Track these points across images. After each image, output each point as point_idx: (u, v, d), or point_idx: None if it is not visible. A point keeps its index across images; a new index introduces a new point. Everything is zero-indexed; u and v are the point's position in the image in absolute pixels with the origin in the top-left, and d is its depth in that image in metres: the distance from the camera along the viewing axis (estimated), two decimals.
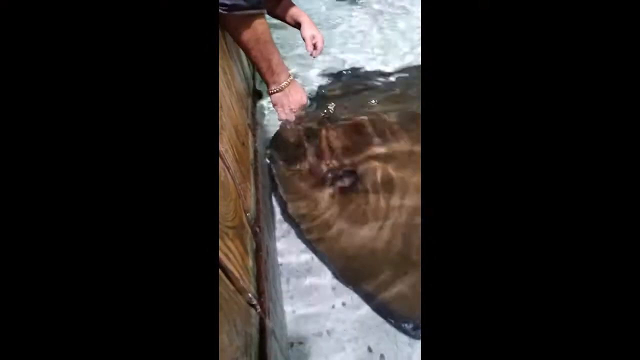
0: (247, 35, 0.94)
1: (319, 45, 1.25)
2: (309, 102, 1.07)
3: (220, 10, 0.83)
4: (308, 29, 1.22)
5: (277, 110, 1.07)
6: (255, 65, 1.06)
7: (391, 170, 1.09)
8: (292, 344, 0.90)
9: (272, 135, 1.25)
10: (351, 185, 1.03)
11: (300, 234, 1.04)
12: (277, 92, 1.05)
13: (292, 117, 1.07)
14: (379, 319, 0.91)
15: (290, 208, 1.03)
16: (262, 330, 0.63)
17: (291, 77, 1.04)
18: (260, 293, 0.70)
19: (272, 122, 1.43)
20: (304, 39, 1.26)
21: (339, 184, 1.04)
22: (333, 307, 0.94)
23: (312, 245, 1.01)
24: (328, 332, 0.90)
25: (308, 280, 1.00)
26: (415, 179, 1.07)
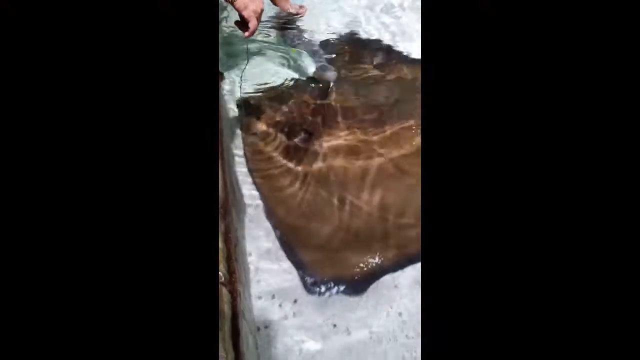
0: None
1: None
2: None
3: None
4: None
5: (245, 18, 1.13)
6: None
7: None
8: (258, 328, 0.91)
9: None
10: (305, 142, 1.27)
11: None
12: None
13: (255, 23, 1.12)
14: (345, 300, 0.94)
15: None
16: (234, 307, 0.65)
17: None
18: (230, 273, 0.71)
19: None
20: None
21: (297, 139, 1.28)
22: (298, 290, 0.97)
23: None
24: (294, 314, 0.93)
25: (274, 266, 1.02)
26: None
